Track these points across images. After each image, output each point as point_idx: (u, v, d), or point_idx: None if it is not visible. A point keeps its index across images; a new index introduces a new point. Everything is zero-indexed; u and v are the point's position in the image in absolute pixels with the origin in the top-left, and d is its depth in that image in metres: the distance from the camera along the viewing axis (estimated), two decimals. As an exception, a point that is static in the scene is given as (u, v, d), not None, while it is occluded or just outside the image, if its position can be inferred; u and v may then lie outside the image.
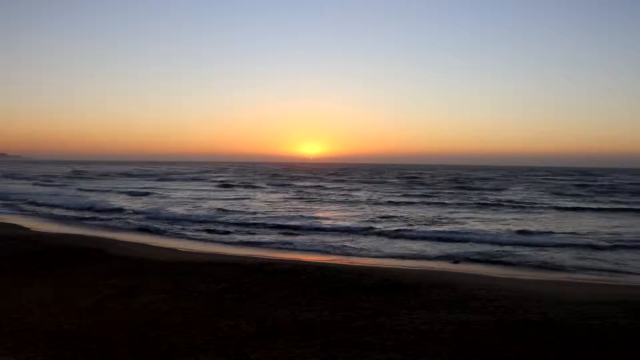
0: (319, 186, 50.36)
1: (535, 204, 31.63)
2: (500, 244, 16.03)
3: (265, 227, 19.76)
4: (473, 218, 23.71)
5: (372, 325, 6.66)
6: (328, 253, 14.68)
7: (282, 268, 10.85)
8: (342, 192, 41.37)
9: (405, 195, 38.13)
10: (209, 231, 18.71)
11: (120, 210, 25.38)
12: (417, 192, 41.65)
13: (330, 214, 25.17)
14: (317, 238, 17.18)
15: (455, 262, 13.33)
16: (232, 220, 21.53)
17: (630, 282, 11.19)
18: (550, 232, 18.53)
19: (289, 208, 27.71)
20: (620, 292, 9.48)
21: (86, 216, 23.15)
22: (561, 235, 17.93)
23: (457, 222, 21.77)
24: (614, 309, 7.71)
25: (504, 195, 38.82)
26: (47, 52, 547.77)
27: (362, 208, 28.39)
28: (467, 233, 18.06)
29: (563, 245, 15.68)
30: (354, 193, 40.75)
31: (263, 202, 32.01)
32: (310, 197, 36.47)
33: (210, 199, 33.03)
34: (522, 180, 68.00)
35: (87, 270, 10.29)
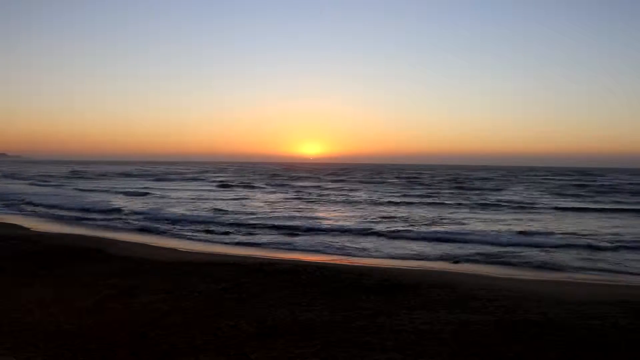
0: (318, 186, 50.36)
1: (535, 204, 31.63)
2: (500, 244, 16.02)
3: (265, 228, 19.74)
4: (473, 218, 23.71)
5: (372, 325, 6.66)
6: (328, 253, 14.68)
7: (282, 268, 10.85)
8: (342, 192, 41.38)
9: (405, 196, 38.12)
10: (209, 231, 18.71)
11: (118, 210, 25.29)
12: (417, 192, 41.66)
13: (330, 214, 25.17)
14: (317, 238, 17.18)
15: (455, 262, 13.33)
16: (231, 221, 21.51)
17: (630, 282, 11.19)
18: (551, 233, 18.53)
19: (288, 208, 27.71)
20: (620, 292, 9.48)
21: (82, 216, 23.13)
22: (561, 235, 17.92)
23: (457, 222, 21.76)
24: (614, 309, 7.71)
25: (504, 196, 38.82)
26: (47, 52, 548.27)
27: (362, 208, 28.40)
28: (467, 233, 18.05)
29: (563, 246, 15.67)
30: (353, 193, 40.76)
31: (263, 202, 32.02)
32: (310, 197, 36.47)
33: (209, 199, 33.02)
34: (522, 180, 68.02)
35: (87, 270, 10.29)
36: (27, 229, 18.22)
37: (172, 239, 16.99)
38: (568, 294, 9.04)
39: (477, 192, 43.55)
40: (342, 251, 14.93)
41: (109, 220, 21.97)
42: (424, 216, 24.13)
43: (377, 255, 14.33)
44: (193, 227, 19.93)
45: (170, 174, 76.69)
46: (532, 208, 28.99)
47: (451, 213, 25.93)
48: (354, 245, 15.81)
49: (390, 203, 31.60)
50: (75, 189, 42.92)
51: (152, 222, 21.14)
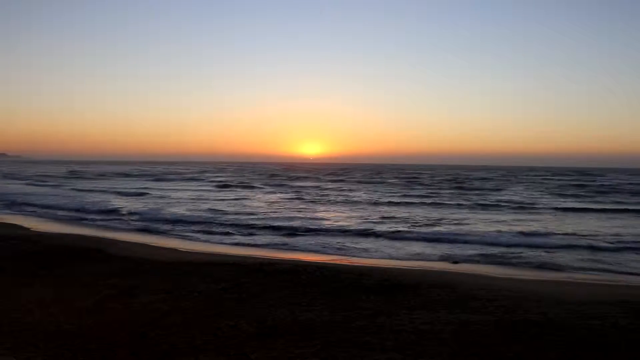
0: (318, 186, 50.36)
1: (535, 204, 31.63)
2: (500, 244, 16.03)
3: (264, 228, 19.75)
4: (473, 218, 23.72)
5: (372, 325, 6.66)
6: (328, 253, 14.68)
7: (282, 268, 10.85)
8: (342, 193, 41.38)
9: (405, 196, 38.12)
10: (208, 232, 18.70)
11: (117, 211, 25.25)
12: (417, 193, 41.65)
13: (330, 215, 25.16)
14: (317, 238, 17.19)
15: (455, 262, 13.33)
16: (231, 221, 21.52)
17: (630, 282, 11.20)
18: (551, 233, 18.53)
19: (288, 208, 27.71)
20: (620, 292, 9.49)
21: (80, 217, 23.10)
22: (561, 235, 17.93)
23: (457, 223, 21.76)
24: (614, 309, 7.71)
25: (504, 196, 38.81)
26: (47, 52, 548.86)
27: (362, 208, 28.39)
28: (467, 234, 18.05)
29: (563, 246, 15.68)
30: (353, 193, 40.75)
31: (262, 202, 32.01)
32: (310, 197, 36.46)
33: (209, 200, 33.01)
34: (522, 180, 68.01)
35: (87, 270, 10.28)
36: (27, 229, 18.21)
37: (172, 239, 16.99)
38: (568, 294, 9.04)
39: (477, 192, 43.54)
40: (342, 251, 14.93)
41: (107, 220, 21.96)
42: (424, 216, 24.13)
43: (377, 256, 14.33)
44: (193, 227, 19.93)
45: (169, 174, 76.63)
46: (532, 208, 28.98)
47: (451, 213, 25.93)
48: (353, 246, 15.81)
49: (390, 203, 31.59)
50: (73, 189, 42.83)
51: (152, 222, 21.13)
